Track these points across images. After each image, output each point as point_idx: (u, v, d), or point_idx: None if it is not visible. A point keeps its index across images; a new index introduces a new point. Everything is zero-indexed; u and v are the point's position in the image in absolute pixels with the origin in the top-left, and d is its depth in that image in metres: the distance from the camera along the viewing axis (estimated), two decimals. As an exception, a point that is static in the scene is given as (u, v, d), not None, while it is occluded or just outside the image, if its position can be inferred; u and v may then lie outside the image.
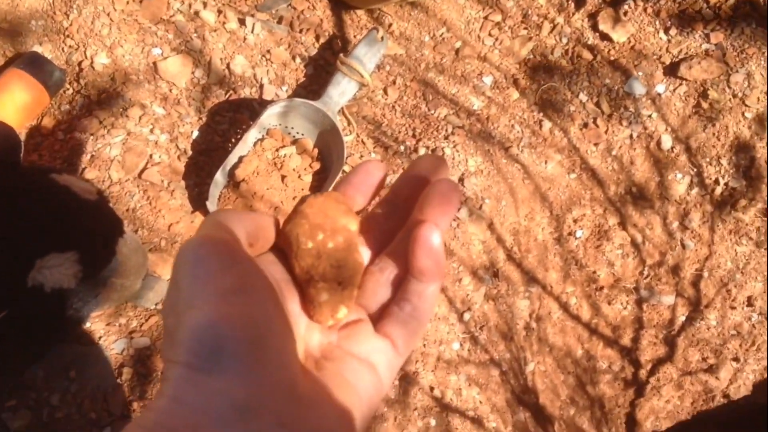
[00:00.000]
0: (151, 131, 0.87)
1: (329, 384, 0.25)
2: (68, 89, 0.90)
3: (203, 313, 0.22)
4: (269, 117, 0.85)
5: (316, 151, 0.87)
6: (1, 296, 0.47)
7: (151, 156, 0.85)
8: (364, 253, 0.30)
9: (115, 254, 0.61)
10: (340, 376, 0.26)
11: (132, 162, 0.85)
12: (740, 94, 0.93)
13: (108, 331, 0.78)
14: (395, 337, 0.28)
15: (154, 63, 0.91)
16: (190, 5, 0.94)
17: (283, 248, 0.28)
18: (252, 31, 0.94)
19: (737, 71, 0.93)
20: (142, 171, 0.85)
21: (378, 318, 0.29)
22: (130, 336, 0.78)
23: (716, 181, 0.95)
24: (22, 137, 0.88)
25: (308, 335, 0.27)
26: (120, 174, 0.84)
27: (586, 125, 0.94)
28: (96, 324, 0.77)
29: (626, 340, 1.00)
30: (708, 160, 0.94)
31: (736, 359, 1.03)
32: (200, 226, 0.25)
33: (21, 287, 0.48)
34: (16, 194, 0.56)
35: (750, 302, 1.00)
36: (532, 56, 0.96)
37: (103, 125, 0.86)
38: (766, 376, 1.08)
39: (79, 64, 0.90)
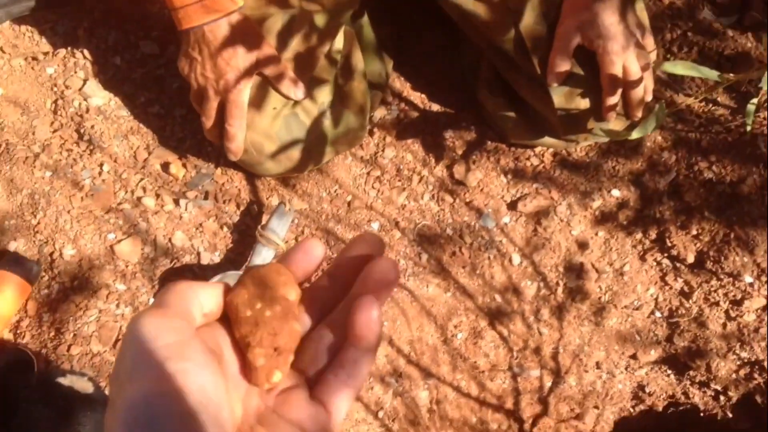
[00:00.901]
0: (117, 306, 1.12)
1: None
2: (45, 276, 1.13)
3: (139, 387, 0.24)
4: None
5: (245, 308, 1.13)
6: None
7: (120, 328, 1.10)
8: (306, 321, 0.32)
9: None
10: None
11: (106, 336, 1.09)
12: (565, 220, 1.22)
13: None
14: (329, 404, 0.30)
15: (111, 246, 1.15)
16: (132, 192, 1.18)
17: (228, 316, 0.30)
18: (186, 209, 1.18)
19: (560, 204, 1.22)
20: (115, 342, 1.10)
21: (314, 383, 0.31)
22: None
23: (557, 284, 1.24)
24: (14, 319, 1.11)
25: (247, 399, 0.29)
26: (99, 347, 1.09)
27: (454, 253, 1.22)
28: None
29: (509, 405, 1.29)
30: (549, 268, 1.23)
31: (596, 407, 1.33)
32: (156, 297, 0.30)
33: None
34: (35, 404, 0.81)
35: (598, 366, 1.30)
36: (407, 202, 1.23)
37: (78, 307, 1.10)
38: (622, 415, 1.38)
39: (51, 255, 1.13)
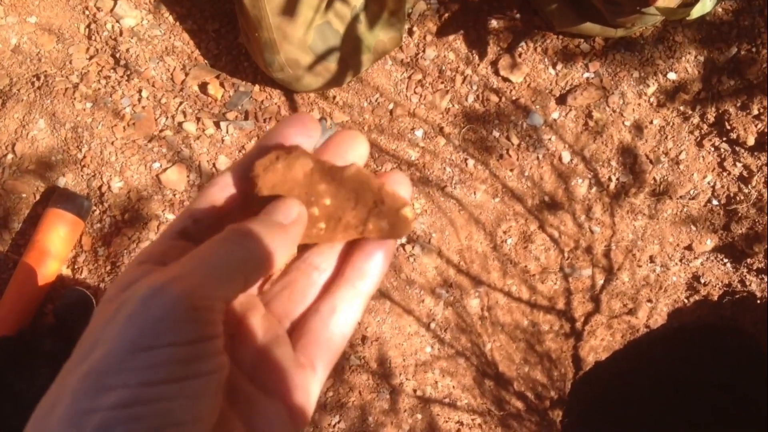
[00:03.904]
0: (169, 235, 1.12)
1: None
2: (96, 210, 1.14)
3: (116, 394, 0.18)
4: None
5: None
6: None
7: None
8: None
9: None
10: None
11: (162, 265, 1.11)
12: (618, 110, 1.17)
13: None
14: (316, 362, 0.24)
15: (157, 176, 1.15)
16: (173, 117, 1.17)
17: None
18: (227, 132, 1.17)
19: (613, 93, 1.16)
20: (171, 271, 1.11)
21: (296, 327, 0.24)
22: None
23: (609, 179, 1.20)
24: (71, 255, 1.13)
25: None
26: (155, 277, 1.10)
27: (501, 156, 1.18)
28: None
29: (561, 305, 1.29)
30: (600, 164, 1.20)
31: (649, 301, 1.33)
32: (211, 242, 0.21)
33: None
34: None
35: (652, 260, 1.28)
36: (450, 105, 1.19)
37: (131, 240, 1.11)
38: (676, 306, 1.38)
39: (99, 188, 1.14)
